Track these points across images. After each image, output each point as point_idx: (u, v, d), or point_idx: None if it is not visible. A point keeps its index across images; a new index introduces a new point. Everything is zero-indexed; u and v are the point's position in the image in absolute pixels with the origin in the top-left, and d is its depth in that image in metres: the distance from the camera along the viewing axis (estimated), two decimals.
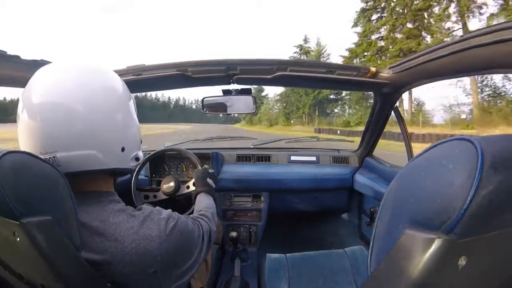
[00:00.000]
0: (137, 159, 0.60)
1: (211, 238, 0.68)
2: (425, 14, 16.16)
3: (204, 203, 0.85)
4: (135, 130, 0.59)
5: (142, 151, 1.52)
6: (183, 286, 0.72)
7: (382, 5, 17.83)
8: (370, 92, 1.24)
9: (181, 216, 0.59)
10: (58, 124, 0.48)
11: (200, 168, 1.13)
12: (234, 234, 1.34)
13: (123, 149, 0.55)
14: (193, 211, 1.13)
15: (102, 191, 0.55)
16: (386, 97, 1.16)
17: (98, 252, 0.48)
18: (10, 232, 0.39)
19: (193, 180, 1.20)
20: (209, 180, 0.98)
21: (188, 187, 1.17)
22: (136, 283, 0.51)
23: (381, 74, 1.00)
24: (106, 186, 0.57)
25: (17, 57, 0.69)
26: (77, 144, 0.49)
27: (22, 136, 0.49)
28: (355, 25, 19.37)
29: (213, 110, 1.20)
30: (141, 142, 0.63)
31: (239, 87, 1.13)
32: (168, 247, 0.52)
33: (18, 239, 0.39)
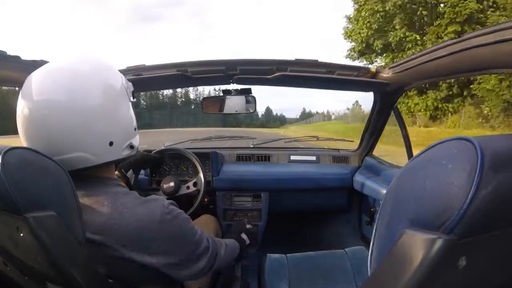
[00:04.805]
0: (131, 147, 0.59)
1: (216, 261, 0.67)
2: None
3: (230, 242, 0.83)
4: (125, 120, 0.57)
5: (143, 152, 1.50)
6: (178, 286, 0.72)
7: None
8: None
9: (184, 213, 0.60)
10: (46, 127, 0.49)
11: (201, 170, 1.16)
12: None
13: (111, 144, 0.54)
14: (193, 211, 1.14)
15: (106, 176, 0.57)
16: (386, 97, 1.16)
17: (100, 231, 0.49)
18: (13, 227, 0.40)
19: (193, 181, 1.20)
20: (244, 236, 0.96)
21: (188, 187, 1.17)
22: (134, 275, 0.52)
23: (381, 74, 1.00)
24: (109, 173, 0.59)
25: (17, 57, 0.69)
26: (64, 149, 0.49)
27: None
28: None
29: (213, 110, 1.19)
30: (135, 129, 0.61)
31: (239, 87, 1.13)
32: (167, 232, 0.54)
33: (21, 234, 0.40)
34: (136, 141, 0.61)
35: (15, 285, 0.51)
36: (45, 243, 0.39)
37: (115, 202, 0.52)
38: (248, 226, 1.02)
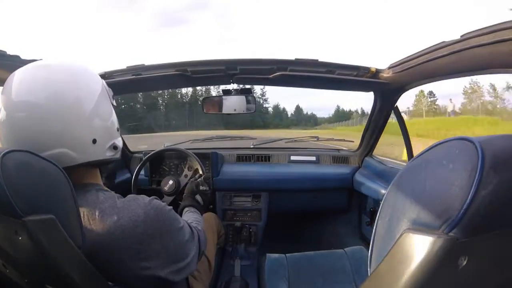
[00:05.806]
0: (115, 148, 0.59)
1: (201, 244, 0.67)
2: None
3: (193, 217, 0.81)
4: (107, 120, 0.57)
5: (143, 151, 1.51)
6: (183, 286, 0.71)
7: None
8: None
9: (167, 205, 0.59)
10: (25, 127, 0.48)
11: (201, 170, 1.14)
12: (238, 224, 1.42)
13: (94, 141, 0.54)
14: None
15: (87, 182, 0.56)
16: (386, 97, 1.16)
17: (89, 240, 0.48)
18: (12, 231, 0.39)
19: (187, 166, 1.26)
20: (198, 197, 0.94)
21: (186, 175, 1.21)
22: (133, 280, 0.51)
23: (381, 74, 1.00)
24: (91, 178, 0.58)
25: (17, 57, 0.70)
26: (46, 145, 0.49)
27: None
28: None
29: (214, 110, 1.20)
30: (117, 130, 0.61)
31: (240, 87, 1.13)
32: (153, 230, 0.53)
33: (20, 238, 0.39)
34: (119, 142, 0.61)
35: None
36: (44, 247, 0.39)
37: (94, 212, 0.51)
38: (201, 187, 0.96)
